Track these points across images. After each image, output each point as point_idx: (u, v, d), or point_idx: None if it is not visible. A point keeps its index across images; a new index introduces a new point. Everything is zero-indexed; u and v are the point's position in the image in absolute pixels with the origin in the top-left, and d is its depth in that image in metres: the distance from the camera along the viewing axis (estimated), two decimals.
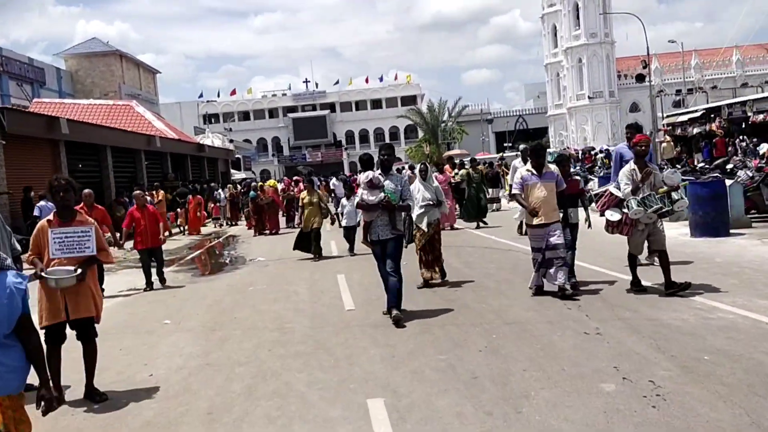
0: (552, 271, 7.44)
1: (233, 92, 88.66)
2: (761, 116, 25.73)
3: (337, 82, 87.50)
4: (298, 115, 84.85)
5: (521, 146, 15.26)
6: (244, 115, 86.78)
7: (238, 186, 27.53)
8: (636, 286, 7.49)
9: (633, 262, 7.56)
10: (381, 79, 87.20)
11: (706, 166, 17.54)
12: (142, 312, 9.02)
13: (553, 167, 7.82)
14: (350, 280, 10.02)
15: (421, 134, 59.89)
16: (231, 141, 57.53)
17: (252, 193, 20.23)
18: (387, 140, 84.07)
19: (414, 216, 8.51)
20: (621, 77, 64.67)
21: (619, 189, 7.30)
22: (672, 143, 30.61)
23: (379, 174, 7.25)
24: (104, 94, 41.20)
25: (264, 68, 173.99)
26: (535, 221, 7.52)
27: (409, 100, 77.78)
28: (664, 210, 7.06)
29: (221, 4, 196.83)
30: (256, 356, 6.12)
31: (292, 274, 11.46)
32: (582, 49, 62.39)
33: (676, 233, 12.21)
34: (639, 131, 8.21)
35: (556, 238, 7.44)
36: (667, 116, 36.19)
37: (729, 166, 15.76)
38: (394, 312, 6.89)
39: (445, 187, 15.82)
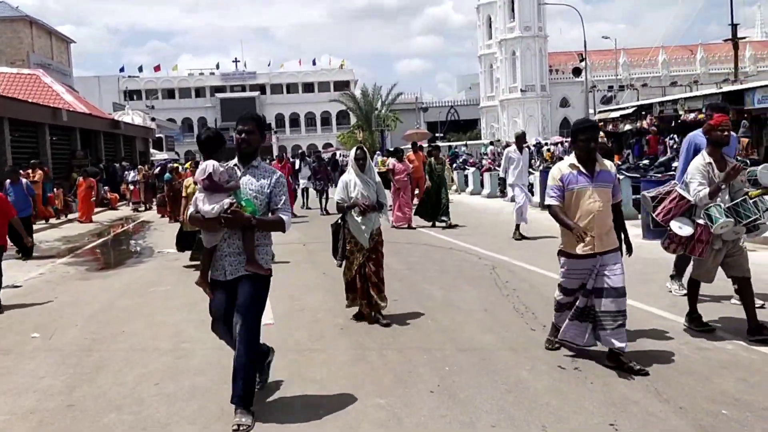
0: (608, 331, 4.66)
1: (157, 68, 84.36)
2: (692, 115, 25.76)
3: (269, 64, 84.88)
4: (226, 96, 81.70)
5: (517, 131, 13.19)
6: (169, 93, 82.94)
7: (153, 167, 25.33)
8: (698, 325, 5.46)
9: (695, 292, 5.54)
10: (314, 63, 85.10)
11: (647, 164, 16.97)
12: (8, 320, 7.28)
13: (608, 164, 4.95)
14: (273, 285, 8.56)
15: (353, 120, 58.45)
16: (153, 119, 54.35)
17: (167, 175, 18.31)
18: (318, 125, 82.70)
19: (350, 224, 6.31)
20: (553, 72, 65.23)
21: (688, 190, 5.23)
22: (605, 139, 30.52)
23: (234, 165, 4.29)
24: (11, 62, 37.56)
25: (192, 47, 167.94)
26: (580, 249, 4.73)
27: (342, 86, 76.06)
28: (758, 222, 5.09)
29: None
30: (137, 395, 4.63)
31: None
32: (516, 41, 62.44)
33: None
34: (723, 111, 5.47)
35: (616, 278, 4.69)
36: (600, 112, 36.22)
37: (676, 164, 15.16)
38: (237, 418, 3.98)
39: (404, 179, 14.47)
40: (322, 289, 8.02)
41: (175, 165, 20.49)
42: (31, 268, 11.18)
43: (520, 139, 12.60)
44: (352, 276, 6.46)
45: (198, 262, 8.62)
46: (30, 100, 24.98)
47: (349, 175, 6.40)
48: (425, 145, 24.29)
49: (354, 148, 6.56)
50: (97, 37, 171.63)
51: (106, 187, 25.43)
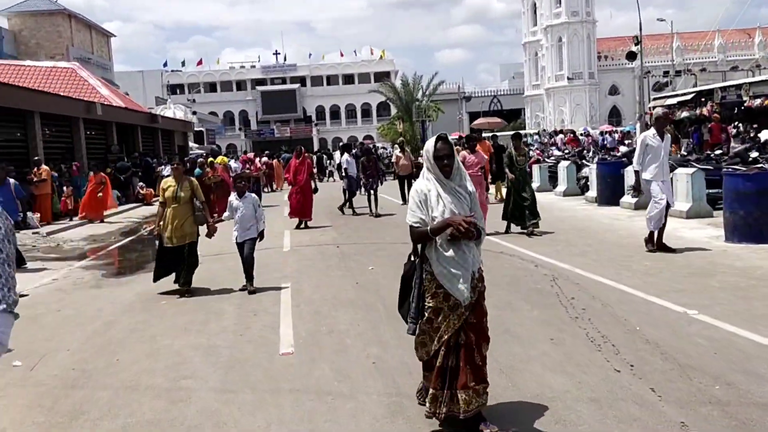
0: None
1: (200, 62, 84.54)
2: (758, 101, 23.80)
3: (310, 56, 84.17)
4: (267, 88, 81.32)
5: (658, 110, 10.41)
6: (211, 87, 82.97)
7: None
8: None
9: None
10: (356, 53, 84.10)
11: (719, 154, 15.33)
12: None
13: None
14: (298, 296, 7.52)
15: (394, 111, 57.25)
16: (194, 113, 54.23)
17: (198, 170, 17.45)
18: (359, 117, 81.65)
19: (434, 265, 3.74)
20: (601, 58, 62.67)
21: None
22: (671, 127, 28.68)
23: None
24: (50, 56, 37.54)
25: (234, 40, 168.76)
26: None
27: (383, 77, 74.68)
28: None
29: None
30: None
31: (227, 277, 8.91)
32: (562, 27, 60.09)
33: (704, 235, 9.96)
34: None
35: None
36: (654, 99, 34.21)
37: (754, 155, 13.57)
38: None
39: (478, 173, 10.88)
40: (354, 305, 6.91)
41: (210, 160, 19.60)
42: (47, 272, 10.43)
43: (663, 119, 9.25)
44: (435, 351, 3.73)
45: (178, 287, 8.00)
46: (64, 94, 24.50)
47: (427, 184, 3.76)
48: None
49: (433, 139, 3.80)
50: (142, 33, 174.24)
51: (141, 183, 24.89)
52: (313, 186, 14.55)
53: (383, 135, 42.80)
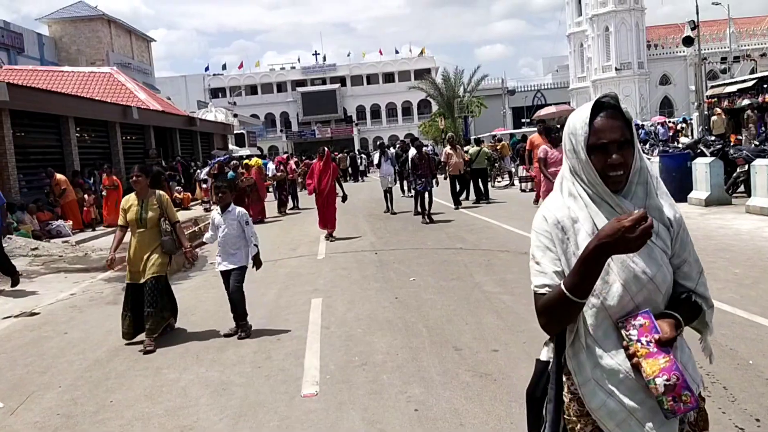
0: None
1: (241, 65, 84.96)
2: None
3: (349, 55, 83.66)
4: (307, 89, 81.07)
5: None
6: (252, 89, 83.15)
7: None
8: None
9: None
10: (396, 52, 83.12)
11: None
12: None
13: None
14: (329, 315, 6.59)
15: (435, 109, 56.07)
16: (235, 115, 54.17)
17: (231, 173, 16.78)
18: (400, 115, 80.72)
19: (585, 395, 1.76)
20: (651, 47, 60.18)
21: None
22: (723, 117, 26.86)
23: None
24: (91, 62, 37.70)
25: (276, 43, 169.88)
26: None
27: (423, 74, 73.43)
28: None
29: None
30: None
31: (249, 293, 8.03)
32: (609, 16, 57.88)
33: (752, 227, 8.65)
34: None
35: None
36: (712, 87, 32.26)
37: None
38: None
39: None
40: (393, 327, 5.94)
41: (246, 162, 18.86)
42: (67, 285, 9.79)
43: None
44: None
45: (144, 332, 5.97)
46: (100, 99, 24.22)
47: (573, 205, 1.81)
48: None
49: (586, 108, 1.85)
50: (186, 40, 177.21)
51: (179, 187, 24.42)
52: (340, 193, 12.82)
53: (425, 132, 41.75)
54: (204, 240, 6.58)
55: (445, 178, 16.27)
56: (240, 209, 6.34)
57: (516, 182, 21.32)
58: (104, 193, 17.11)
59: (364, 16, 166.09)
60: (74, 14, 40.46)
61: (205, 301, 7.92)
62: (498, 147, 22.14)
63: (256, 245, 6.27)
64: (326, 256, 10.54)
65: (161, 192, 6.47)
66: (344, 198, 13.07)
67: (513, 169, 22.54)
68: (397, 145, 19.74)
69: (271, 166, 20.45)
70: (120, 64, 39.88)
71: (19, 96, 16.87)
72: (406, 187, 20.07)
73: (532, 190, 19.10)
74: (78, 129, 21.04)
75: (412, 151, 14.28)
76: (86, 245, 14.32)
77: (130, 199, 6.29)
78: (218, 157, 22.08)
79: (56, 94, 19.94)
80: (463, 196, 16.80)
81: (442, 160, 16.02)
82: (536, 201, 13.89)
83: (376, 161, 17.49)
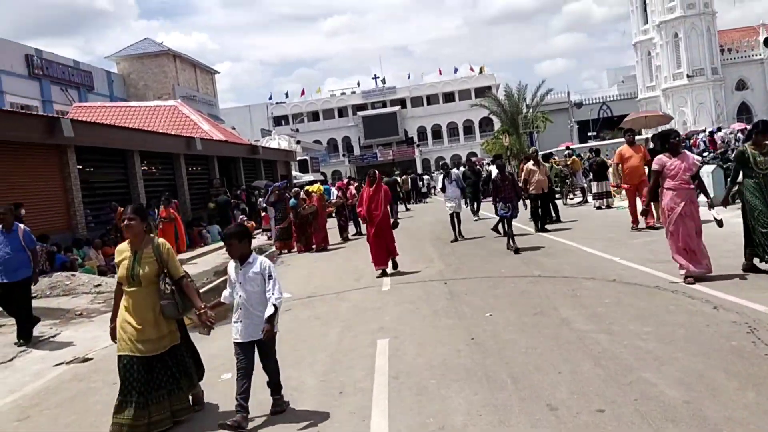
0: None
1: (302, 93, 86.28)
2: None
3: (409, 76, 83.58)
4: (367, 113, 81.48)
5: None
6: (314, 116, 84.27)
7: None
8: None
9: None
10: (455, 70, 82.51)
11: None
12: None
13: None
14: (397, 361, 5.84)
15: (497, 125, 54.93)
16: (298, 142, 54.70)
17: (292, 200, 16.35)
18: (461, 135, 79.83)
19: None
20: (724, 52, 57.31)
21: None
22: None
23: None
24: (158, 96, 38.68)
25: (336, 70, 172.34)
26: None
27: (483, 92, 72.62)
28: None
29: (292, 11, 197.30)
30: None
31: (310, 333, 7.41)
32: (678, 22, 55.53)
33: None
34: None
35: None
36: None
37: None
38: None
39: (689, 186, 7.66)
40: (472, 377, 5.12)
41: (307, 188, 18.41)
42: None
43: None
44: None
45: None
46: (164, 132, 24.52)
47: None
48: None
49: None
50: (250, 71, 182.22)
51: (243, 216, 24.30)
52: (392, 221, 11.49)
53: (488, 151, 40.72)
54: (222, 300, 5.07)
55: (526, 199, 13.25)
56: (263, 260, 4.85)
57: (589, 199, 20.10)
58: (160, 225, 16.95)
59: (422, 39, 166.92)
60: (141, 51, 41.80)
61: None
62: (569, 162, 21.00)
63: (275, 305, 4.70)
64: (391, 287, 9.82)
65: (162, 240, 4.99)
66: (395, 224, 11.55)
67: (585, 185, 21.33)
68: (464, 165, 18.87)
69: (333, 191, 20.01)
70: (185, 97, 40.80)
71: (84, 132, 17.06)
72: (475, 209, 19.13)
73: (608, 207, 17.88)
74: (143, 162, 21.24)
75: (494, 171, 13.41)
76: None
77: (123, 250, 4.89)
78: (267, 184, 21.58)
79: (120, 128, 20.22)
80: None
81: (523, 177, 14.34)
82: (635, 223, 12.42)
83: (439, 185, 16.01)
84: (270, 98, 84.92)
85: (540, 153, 17.53)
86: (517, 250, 11.24)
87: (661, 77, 58.66)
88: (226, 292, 5.00)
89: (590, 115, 65.22)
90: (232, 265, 4.91)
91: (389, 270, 10.94)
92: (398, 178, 33.51)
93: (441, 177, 15.71)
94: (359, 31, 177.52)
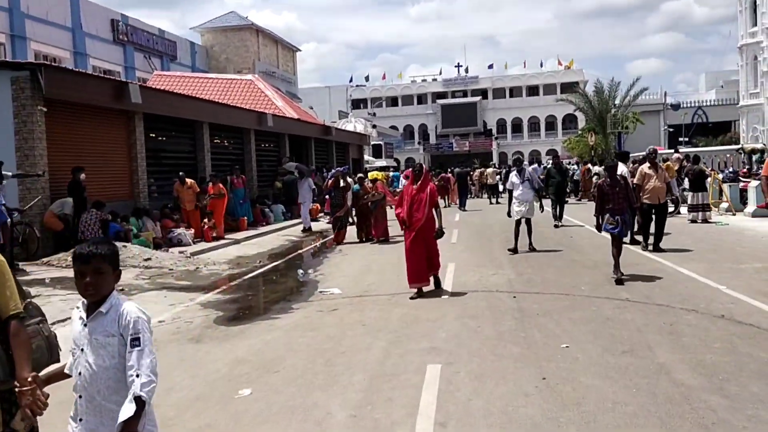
0: None
1: (383, 77, 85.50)
2: None
3: (491, 66, 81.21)
4: (447, 102, 79.92)
5: None
6: (392, 101, 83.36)
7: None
8: None
9: None
10: (541, 65, 79.65)
11: None
12: None
13: None
14: (448, 398, 4.75)
15: (582, 123, 52.32)
16: (374, 126, 54.07)
17: (356, 186, 15.40)
18: (542, 130, 77.03)
19: None
20: None
21: None
22: None
23: None
24: (237, 70, 38.59)
25: (420, 56, 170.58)
26: None
27: (570, 87, 69.68)
28: None
29: None
30: None
31: (353, 344, 6.40)
32: None
33: None
34: None
35: None
36: None
37: None
38: None
39: None
40: None
41: (372, 173, 17.45)
42: (163, 307, 8.75)
43: None
44: None
45: None
46: (236, 105, 24.06)
47: None
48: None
49: None
50: (336, 53, 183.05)
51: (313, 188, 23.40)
52: (437, 227, 8.98)
53: (570, 149, 38.64)
54: (66, 370, 2.77)
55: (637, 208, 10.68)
56: (130, 310, 2.61)
57: (683, 210, 18.26)
58: (207, 201, 16.39)
59: (510, 29, 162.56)
60: (225, 24, 41.80)
61: (297, 350, 6.35)
62: (663, 167, 19.11)
63: (140, 397, 2.45)
64: (452, 294, 8.70)
65: None
66: (439, 233, 9.03)
67: (679, 195, 19.42)
68: (548, 161, 17.18)
69: (402, 179, 18.95)
70: (265, 72, 40.61)
71: (153, 99, 16.64)
72: (558, 213, 16.63)
73: (705, 221, 16.09)
74: (213, 134, 20.81)
75: (586, 171, 10.93)
76: (201, 257, 13.52)
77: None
78: (298, 167, 20.24)
79: (189, 98, 19.75)
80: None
81: (635, 182, 11.34)
82: None
83: (510, 181, 12.53)
84: (351, 80, 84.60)
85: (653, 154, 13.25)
86: (620, 281, 8.75)
87: (767, 84, 54.20)
88: (69, 360, 2.74)
89: (683, 120, 61.51)
90: (76, 315, 2.69)
91: (428, 288, 8.85)
92: (474, 170, 32.08)
93: (513, 173, 12.49)
94: (447, 18, 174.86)
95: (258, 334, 7.11)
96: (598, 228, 9.29)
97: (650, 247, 11.44)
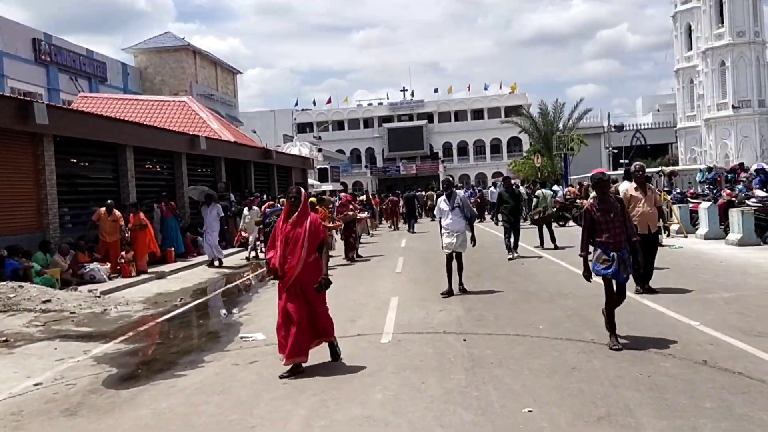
0: None
1: (329, 101, 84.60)
2: None
3: (437, 90, 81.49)
4: (393, 125, 79.75)
5: None
6: (339, 125, 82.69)
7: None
8: None
9: None
10: (486, 88, 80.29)
11: None
12: None
13: None
14: None
15: (526, 146, 52.50)
16: (320, 150, 52.89)
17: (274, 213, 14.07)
18: (488, 153, 77.35)
19: None
20: None
21: None
22: None
23: None
24: (174, 93, 36.89)
25: (366, 82, 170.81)
26: None
27: (513, 111, 70.31)
28: None
29: (327, 20, 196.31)
30: None
31: (268, 411, 5.14)
32: (726, 50, 52.56)
33: None
34: None
35: None
36: None
37: None
38: None
39: None
40: None
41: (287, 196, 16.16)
42: (47, 363, 7.30)
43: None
44: None
45: None
46: (165, 127, 22.53)
47: None
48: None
49: None
50: (281, 78, 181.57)
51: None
52: (321, 276, 6.31)
53: (516, 171, 38.28)
54: None
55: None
56: None
57: None
58: (128, 234, 14.84)
59: (453, 56, 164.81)
60: (160, 45, 40.07)
61: (195, 425, 5.03)
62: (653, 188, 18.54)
63: None
64: (393, 338, 7.52)
65: None
66: (323, 284, 6.30)
67: None
68: (499, 184, 15.92)
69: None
70: (203, 95, 39.03)
71: (63, 120, 15.00)
72: (513, 243, 14.31)
73: (660, 244, 15.43)
74: (139, 159, 19.24)
75: (592, 196, 7.92)
76: (113, 296, 11.96)
77: None
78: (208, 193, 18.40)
79: (111, 119, 18.15)
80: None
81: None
82: None
83: (438, 208, 10.43)
84: (296, 104, 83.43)
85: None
86: (617, 345, 6.41)
87: (704, 107, 55.68)
88: None
89: (623, 142, 62.71)
90: None
91: (305, 363, 6.28)
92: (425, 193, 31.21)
93: (439, 199, 10.50)
94: (391, 44, 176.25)
95: (152, 400, 5.75)
96: (587, 273, 6.68)
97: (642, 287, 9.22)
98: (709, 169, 27.20)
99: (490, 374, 5.80)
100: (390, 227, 29.46)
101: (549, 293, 9.80)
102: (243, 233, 19.69)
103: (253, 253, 18.35)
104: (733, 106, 52.24)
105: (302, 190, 6.65)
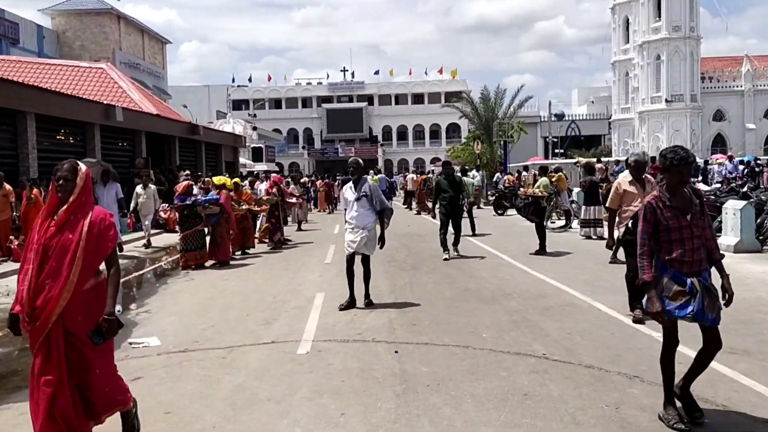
0: None
1: (269, 79, 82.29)
2: None
3: (377, 73, 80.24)
4: (332, 106, 78.08)
5: None
6: (276, 103, 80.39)
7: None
8: None
9: None
10: (426, 73, 79.58)
11: None
12: None
13: None
14: None
15: (466, 132, 52.06)
16: (254, 128, 50.85)
17: (211, 193, 12.64)
18: (427, 138, 76.78)
19: None
20: (705, 80, 55.64)
21: None
22: None
23: None
24: (95, 60, 34.21)
25: (306, 61, 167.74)
26: None
27: (454, 96, 69.85)
28: None
29: None
30: None
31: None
32: (662, 44, 53.57)
33: None
34: None
35: None
36: None
37: None
38: None
39: None
40: None
41: (216, 179, 14.50)
42: None
43: None
44: None
45: None
46: (74, 95, 20.49)
47: None
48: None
49: None
50: (218, 53, 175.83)
51: (165, 204, 20.33)
52: (106, 308, 3.73)
53: (455, 157, 37.62)
54: None
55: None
56: None
57: (574, 224, 17.09)
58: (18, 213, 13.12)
59: (395, 39, 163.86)
60: (80, 6, 37.10)
61: None
62: (554, 179, 17.84)
63: None
64: (312, 347, 6.35)
65: None
66: (101, 331, 3.67)
67: (569, 207, 18.31)
68: (436, 172, 14.68)
69: (261, 187, 16.50)
70: (128, 63, 36.47)
71: None
72: (453, 240, 12.38)
73: (601, 237, 14.71)
74: (44, 129, 17.30)
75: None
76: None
77: None
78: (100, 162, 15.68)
79: (7, 82, 16.14)
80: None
81: (607, 204, 7.75)
82: None
83: (343, 197, 8.48)
84: (233, 81, 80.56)
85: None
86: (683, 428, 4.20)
87: (638, 99, 56.67)
88: None
89: (559, 132, 63.29)
90: None
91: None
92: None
93: (347, 186, 8.43)
94: (332, 24, 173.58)
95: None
96: (657, 313, 4.15)
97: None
98: (617, 162, 25.40)
99: (426, 403, 4.71)
100: (329, 210, 28.59)
101: (491, 291, 8.85)
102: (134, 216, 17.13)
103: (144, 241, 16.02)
104: (666, 100, 53.35)
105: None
